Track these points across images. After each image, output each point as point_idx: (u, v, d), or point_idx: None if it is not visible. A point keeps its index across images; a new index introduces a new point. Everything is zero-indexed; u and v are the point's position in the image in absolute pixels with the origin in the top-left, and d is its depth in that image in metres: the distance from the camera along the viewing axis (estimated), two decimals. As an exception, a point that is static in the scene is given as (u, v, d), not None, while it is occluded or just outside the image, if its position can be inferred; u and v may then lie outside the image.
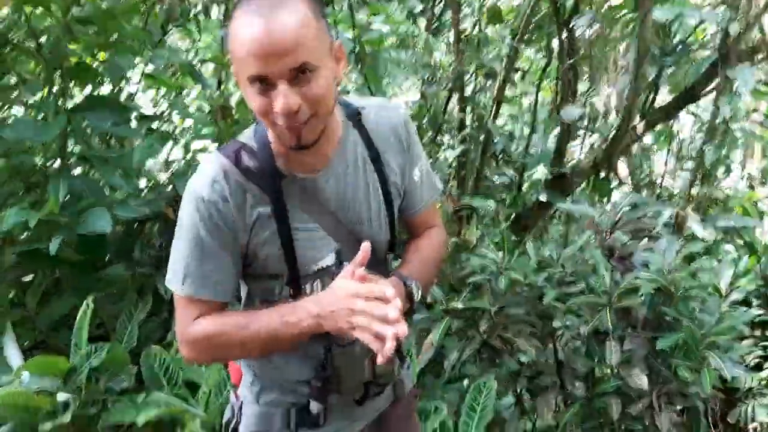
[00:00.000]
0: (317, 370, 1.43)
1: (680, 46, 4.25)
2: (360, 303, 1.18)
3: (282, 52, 1.14)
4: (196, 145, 3.82)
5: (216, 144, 3.63)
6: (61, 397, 2.24)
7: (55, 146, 3.05)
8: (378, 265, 1.43)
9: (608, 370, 2.62)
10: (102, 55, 3.51)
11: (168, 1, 3.80)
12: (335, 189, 1.39)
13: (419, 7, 4.18)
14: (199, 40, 4.74)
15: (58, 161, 3.17)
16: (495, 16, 3.53)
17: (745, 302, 4.56)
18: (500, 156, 4.59)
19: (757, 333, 4.24)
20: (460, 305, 2.47)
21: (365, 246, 1.25)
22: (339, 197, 1.40)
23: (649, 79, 4.36)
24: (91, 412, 2.31)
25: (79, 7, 3.09)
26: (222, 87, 4.54)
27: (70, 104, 3.24)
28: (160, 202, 2.87)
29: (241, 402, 1.54)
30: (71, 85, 3.55)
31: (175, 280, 1.34)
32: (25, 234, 2.93)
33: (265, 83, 1.18)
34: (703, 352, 2.37)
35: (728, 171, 4.68)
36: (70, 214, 2.72)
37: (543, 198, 4.33)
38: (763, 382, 3.81)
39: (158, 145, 3.19)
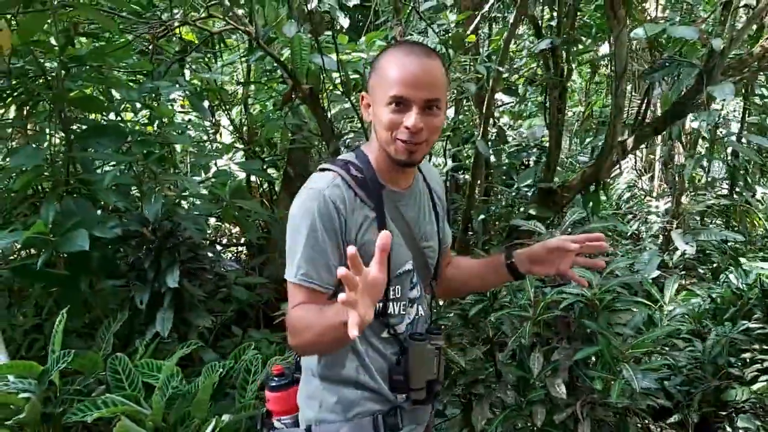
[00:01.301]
0: (394, 366, 1.70)
1: (667, 63, 4.30)
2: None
3: (427, 85, 1.56)
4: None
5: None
6: (28, 396, 2.52)
7: (52, 171, 3.36)
8: (427, 282, 1.84)
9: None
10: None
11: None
12: (414, 206, 1.76)
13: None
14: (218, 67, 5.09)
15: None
16: (457, 43, 3.69)
17: (748, 314, 4.57)
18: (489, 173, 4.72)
19: (756, 347, 4.25)
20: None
21: (385, 233, 1.37)
22: (415, 214, 1.76)
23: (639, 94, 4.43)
24: (57, 411, 2.59)
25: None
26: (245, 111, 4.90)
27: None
28: (135, 222, 3.17)
29: (308, 427, 1.72)
30: (79, 114, 3.92)
31: (290, 269, 1.60)
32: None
33: (401, 105, 1.55)
34: (619, 364, 2.47)
35: (711, 184, 4.67)
36: (57, 233, 3.03)
37: (532, 212, 4.44)
38: (756, 396, 3.82)
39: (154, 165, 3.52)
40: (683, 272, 5.73)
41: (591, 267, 1.88)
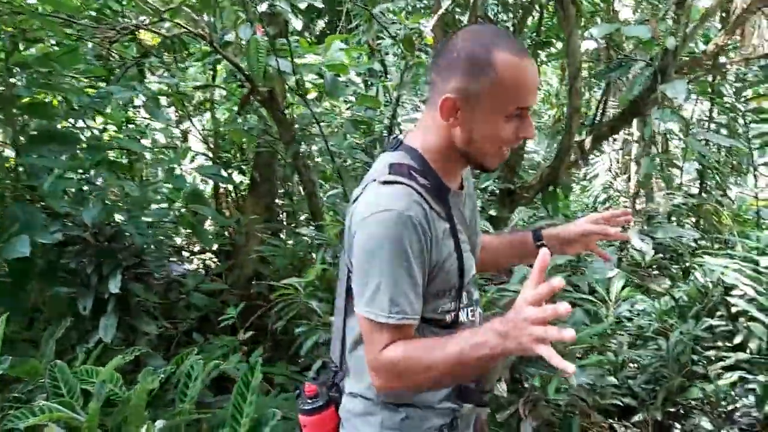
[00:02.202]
0: None
1: (623, 62, 4.32)
2: (539, 329, 1.20)
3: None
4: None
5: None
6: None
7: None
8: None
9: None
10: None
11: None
12: (470, 205, 1.64)
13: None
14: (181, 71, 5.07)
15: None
16: (408, 46, 3.69)
17: (712, 312, 4.57)
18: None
19: (719, 344, 4.25)
20: (332, 318, 2.62)
21: (544, 252, 1.27)
22: (471, 213, 1.65)
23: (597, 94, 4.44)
24: (-8, 418, 2.56)
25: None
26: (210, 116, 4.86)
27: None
28: (77, 227, 3.14)
29: None
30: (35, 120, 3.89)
31: (379, 307, 1.37)
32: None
33: (520, 114, 1.42)
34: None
35: (668, 182, 4.68)
36: (1, 239, 3.00)
37: (492, 213, 4.44)
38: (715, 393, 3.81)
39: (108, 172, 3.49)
40: (656, 272, 5.75)
41: (621, 239, 1.94)
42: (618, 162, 9.56)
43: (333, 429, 1.63)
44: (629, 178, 8.61)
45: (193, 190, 4.01)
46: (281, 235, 5.01)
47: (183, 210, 3.83)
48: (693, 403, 3.96)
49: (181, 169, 4.30)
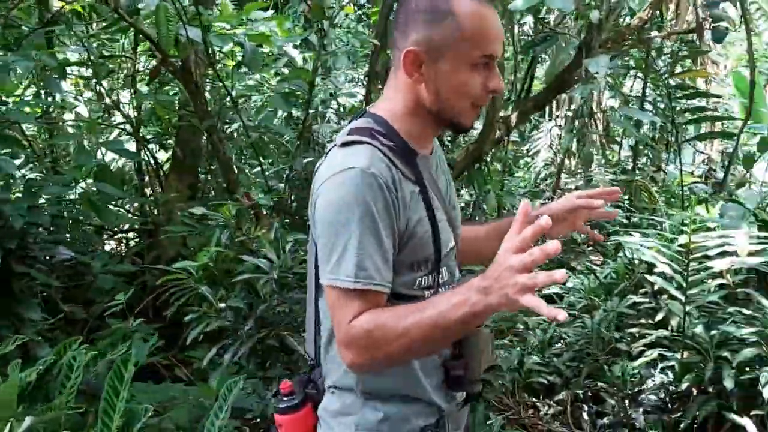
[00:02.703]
0: (450, 361, 1.41)
1: (548, 36, 4.23)
2: (524, 277, 1.09)
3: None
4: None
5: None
6: None
7: None
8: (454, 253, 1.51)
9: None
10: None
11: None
12: (440, 171, 1.50)
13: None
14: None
15: None
16: (317, 12, 3.52)
17: (638, 288, 4.57)
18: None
19: (642, 321, 4.25)
20: (222, 305, 2.49)
21: (525, 202, 1.18)
22: (443, 181, 1.50)
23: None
24: None
25: None
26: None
27: None
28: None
29: None
30: None
31: (344, 273, 1.25)
32: None
33: (486, 65, 1.33)
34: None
35: (589, 160, 4.64)
36: None
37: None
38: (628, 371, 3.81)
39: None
40: (591, 248, 5.75)
41: (607, 218, 1.77)
42: (560, 138, 9.60)
43: (311, 428, 1.49)
44: (573, 155, 8.66)
45: (99, 167, 3.78)
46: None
47: (85, 188, 3.59)
48: (614, 381, 3.95)
49: (92, 144, 4.08)
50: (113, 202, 4.25)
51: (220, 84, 4.33)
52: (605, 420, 3.76)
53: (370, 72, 4.10)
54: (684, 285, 3.64)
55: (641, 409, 3.38)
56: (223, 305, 2.42)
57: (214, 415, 2.28)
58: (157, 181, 5.35)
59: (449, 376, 1.42)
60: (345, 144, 1.33)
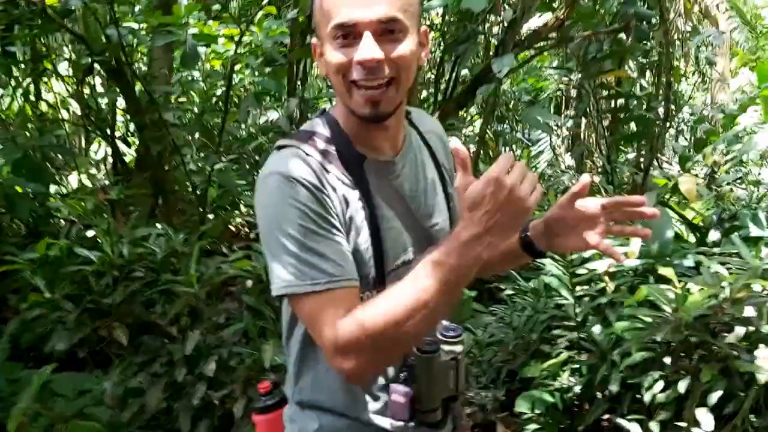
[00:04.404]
0: (399, 380, 1.28)
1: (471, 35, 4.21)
2: (524, 186, 1.06)
3: (377, 1, 1.15)
4: None
5: None
6: None
7: None
8: None
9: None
10: None
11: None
12: (411, 176, 1.34)
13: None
14: None
15: None
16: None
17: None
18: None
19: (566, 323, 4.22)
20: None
21: (456, 142, 1.12)
22: (412, 187, 1.34)
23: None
24: None
25: None
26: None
27: None
28: None
29: None
30: None
31: (302, 281, 1.16)
32: None
33: (350, 36, 1.16)
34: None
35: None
36: None
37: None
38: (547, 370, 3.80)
39: None
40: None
41: (634, 236, 1.44)
42: (560, 137, 9.54)
43: (281, 431, 1.43)
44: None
45: (21, 162, 3.94)
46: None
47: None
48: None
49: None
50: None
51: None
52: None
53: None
54: (569, 286, 3.62)
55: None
56: (53, 296, 2.51)
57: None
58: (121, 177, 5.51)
59: (390, 401, 1.28)
60: (278, 147, 1.27)
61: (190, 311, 2.57)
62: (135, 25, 4.02)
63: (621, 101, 4.33)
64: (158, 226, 2.86)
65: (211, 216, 4.52)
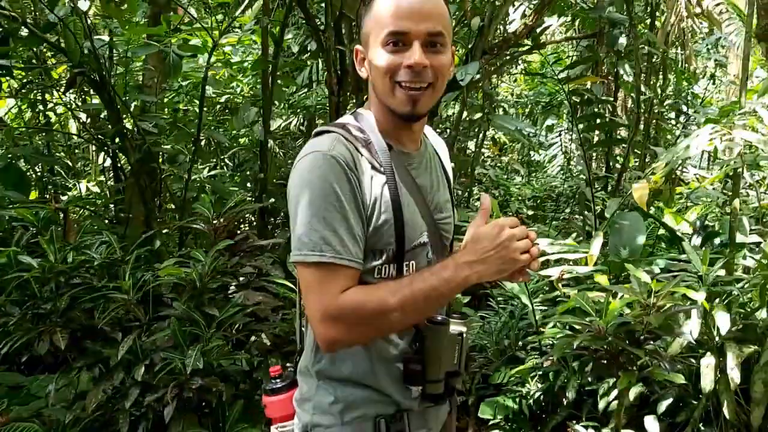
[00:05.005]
0: (411, 349, 1.46)
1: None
2: (520, 243, 1.32)
3: (427, 14, 1.38)
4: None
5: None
6: None
7: None
8: (444, 254, 1.54)
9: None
10: None
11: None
12: (425, 172, 1.54)
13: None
14: None
15: None
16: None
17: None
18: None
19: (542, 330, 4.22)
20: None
21: (486, 196, 1.41)
22: (427, 181, 1.54)
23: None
24: None
25: None
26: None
27: None
28: None
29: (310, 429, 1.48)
30: None
31: (310, 250, 1.31)
32: None
33: (400, 44, 1.37)
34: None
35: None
36: None
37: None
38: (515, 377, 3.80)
39: None
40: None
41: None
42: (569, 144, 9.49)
43: (291, 412, 1.56)
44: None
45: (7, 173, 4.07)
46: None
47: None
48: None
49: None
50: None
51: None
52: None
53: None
54: (526, 292, 3.62)
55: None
56: None
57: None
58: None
59: (407, 370, 1.45)
60: (316, 134, 1.44)
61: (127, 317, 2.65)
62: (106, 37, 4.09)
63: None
64: (104, 233, 2.95)
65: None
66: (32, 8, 4.49)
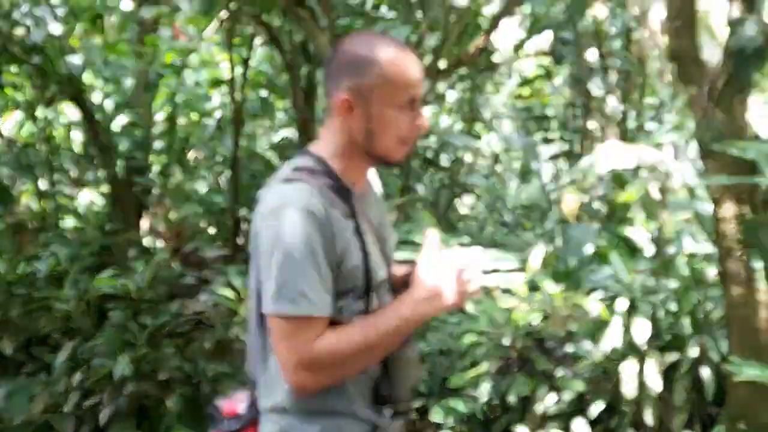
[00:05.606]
0: (379, 381, 1.53)
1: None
2: (470, 273, 1.45)
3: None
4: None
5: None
6: None
7: None
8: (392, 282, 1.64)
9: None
10: None
11: None
12: (374, 204, 1.64)
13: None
14: None
15: None
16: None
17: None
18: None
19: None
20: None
21: (432, 231, 1.54)
22: (377, 215, 1.63)
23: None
24: None
25: None
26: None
27: None
28: None
29: None
30: None
31: (289, 302, 1.36)
32: None
33: (411, 104, 1.48)
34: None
35: None
36: None
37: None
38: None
39: None
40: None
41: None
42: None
43: None
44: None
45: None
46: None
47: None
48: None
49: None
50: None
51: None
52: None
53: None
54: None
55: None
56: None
57: None
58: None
59: (378, 394, 1.53)
60: (287, 180, 1.47)
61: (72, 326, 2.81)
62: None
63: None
64: (50, 246, 3.11)
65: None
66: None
